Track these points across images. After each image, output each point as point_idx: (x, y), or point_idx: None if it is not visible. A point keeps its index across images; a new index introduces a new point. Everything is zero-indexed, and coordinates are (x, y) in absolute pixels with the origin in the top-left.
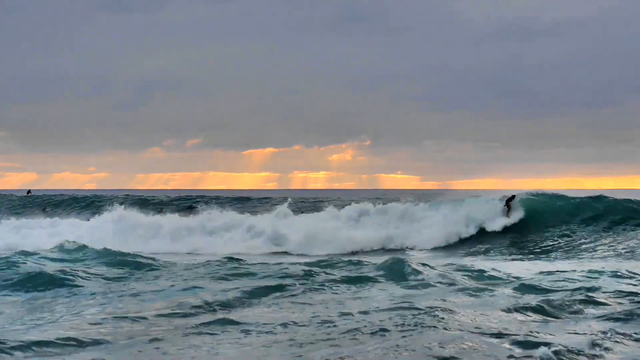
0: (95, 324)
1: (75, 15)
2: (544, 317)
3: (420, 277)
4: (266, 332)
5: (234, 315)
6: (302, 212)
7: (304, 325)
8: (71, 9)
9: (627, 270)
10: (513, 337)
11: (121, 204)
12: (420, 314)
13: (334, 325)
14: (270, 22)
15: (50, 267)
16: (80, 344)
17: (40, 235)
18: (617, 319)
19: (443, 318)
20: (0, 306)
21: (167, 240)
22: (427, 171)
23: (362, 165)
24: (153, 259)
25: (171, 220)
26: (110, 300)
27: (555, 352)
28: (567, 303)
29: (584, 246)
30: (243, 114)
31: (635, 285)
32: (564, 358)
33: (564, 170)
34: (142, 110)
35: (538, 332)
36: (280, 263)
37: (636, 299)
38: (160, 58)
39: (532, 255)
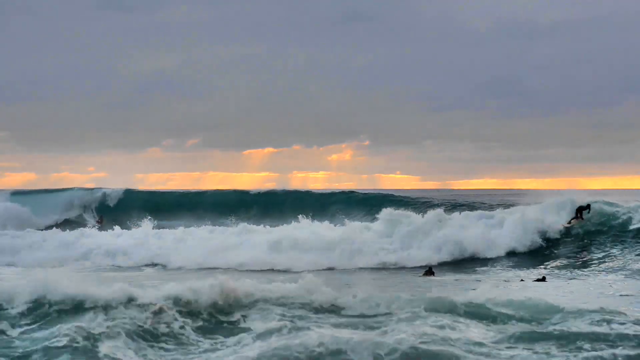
0: None
1: (74, 15)
2: None
3: None
4: None
5: None
6: None
7: None
8: (70, 8)
9: None
10: None
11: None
12: None
13: None
14: (270, 22)
15: None
16: None
17: None
18: None
19: None
20: None
21: None
22: (427, 171)
23: (361, 165)
24: None
25: None
26: None
27: None
28: None
29: None
30: (243, 114)
31: None
32: None
33: (564, 170)
34: (142, 110)
35: None
36: None
37: None
38: (160, 58)
39: None
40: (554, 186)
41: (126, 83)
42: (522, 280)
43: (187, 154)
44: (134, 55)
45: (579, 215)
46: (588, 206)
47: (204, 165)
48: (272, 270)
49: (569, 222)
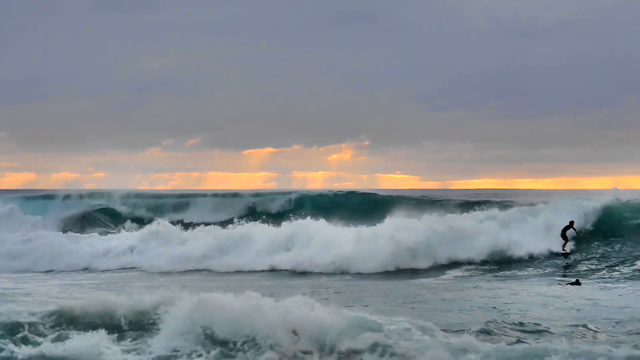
0: None
1: (74, 15)
2: None
3: None
4: None
5: None
6: None
7: None
8: (70, 8)
9: None
10: None
11: None
12: None
13: None
14: (270, 21)
15: None
16: None
17: None
18: None
19: None
20: None
21: None
22: (427, 171)
23: (361, 165)
24: None
25: None
26: None
27: None
28: None
29: None
30: (242, 114)
31: None
32: None
33: (564, 170)
34: (142, 110)
35: None
36: None
37: None
38: (160, 58)
39: None
40: (554, 186)
41: (126, 83)
42: (559, 284)
43: (187, 154)
44: (134, 55)
45: (566, 236)
46: (571, 223)
47: (204, 165)
48: None
49: (564, 249)
